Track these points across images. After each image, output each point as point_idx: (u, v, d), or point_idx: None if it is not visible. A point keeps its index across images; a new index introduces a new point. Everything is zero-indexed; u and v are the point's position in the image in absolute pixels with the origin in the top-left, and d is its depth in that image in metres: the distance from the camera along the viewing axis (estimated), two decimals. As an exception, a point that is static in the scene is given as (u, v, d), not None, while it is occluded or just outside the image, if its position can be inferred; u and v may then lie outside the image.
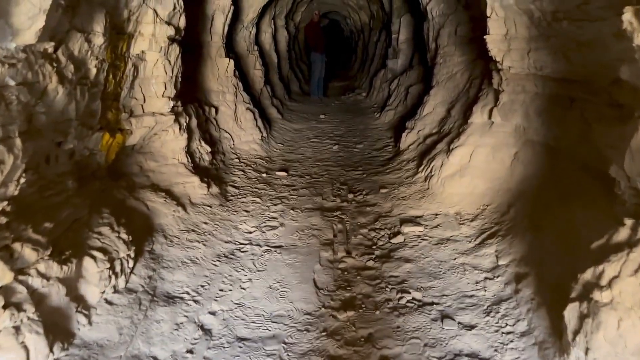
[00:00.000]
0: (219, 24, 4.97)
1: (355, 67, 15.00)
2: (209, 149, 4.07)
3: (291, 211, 3.44)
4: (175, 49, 3.30)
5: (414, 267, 2.61)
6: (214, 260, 2.59)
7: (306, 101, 9.56)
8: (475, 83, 4.16)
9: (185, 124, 3.53)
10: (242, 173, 4.28)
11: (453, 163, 3.48)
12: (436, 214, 3.22)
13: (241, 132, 5.11)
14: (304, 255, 2.77)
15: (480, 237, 2.79)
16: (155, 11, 2.97)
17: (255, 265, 2.61)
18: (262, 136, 5.42)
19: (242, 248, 2.81)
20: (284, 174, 4.44)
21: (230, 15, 5.17)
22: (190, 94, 4.38)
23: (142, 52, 2.96)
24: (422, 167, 3.89)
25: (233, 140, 4.94)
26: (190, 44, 4.57)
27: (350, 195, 3.80)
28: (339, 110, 8.68)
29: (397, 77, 7.61)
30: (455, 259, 2.64)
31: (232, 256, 2.69)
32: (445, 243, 2.82)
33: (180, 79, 3.49)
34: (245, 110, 5.29)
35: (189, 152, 3.66)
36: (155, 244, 2.52)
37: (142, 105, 3.07)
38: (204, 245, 2.71)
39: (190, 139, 3.76)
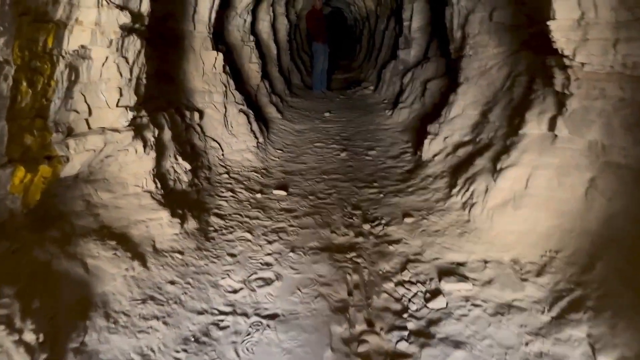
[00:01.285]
0: (204, 10, 4.11)
1: (360, 57, 14.08)
2: (188, 166, 3.24)
3: (291, 254, 2.61)
4: (135, 43, 2.46)
5: (468, 356, 1.79)
6: (177, 352, 1.78)
7: (308, 96, 8.69)
8: (521, 81, 3.30)
9: (152, 139, 2.70)
10: (231, 194, 3.45)
11: (502, 188, 2.64)
12: (485, 261, 2.39)
13: (232, 139, 4.28)
14: (308, 333, 1.95)
15: (558, 305, 1.96)
16: (99, -11, 2.13)
17: (238, 356, 1.80)
18: (257, 142, 4.59)
19: (222, 322, 1.99)
20: (283, 193, 3.61)
21: (218, 0, 4.31)
22: (166, 96, 3.54)
23: (83, 47, 2.12)
24: (458, 189, 3.05)
25: (222, 150, 4.11)
26: (166, 34, 3.72)
27: (367, 226, 2.97)
28: (344, 106, 7.81)
29: (411, 69, 6.73)
30: (526, 343, 1.82)
31: (205, 339, 1.87)
32: (507, 313, 2.00)
33: (144, 81, 2.65)
34: (238, 112, 4.45)
35: (159, 174, 2.84)
36: (90, 333, 1.70)
37: (86, 120, 2.25)
38: (165, 323, 1.89)
39: (161, 156, 2.93)
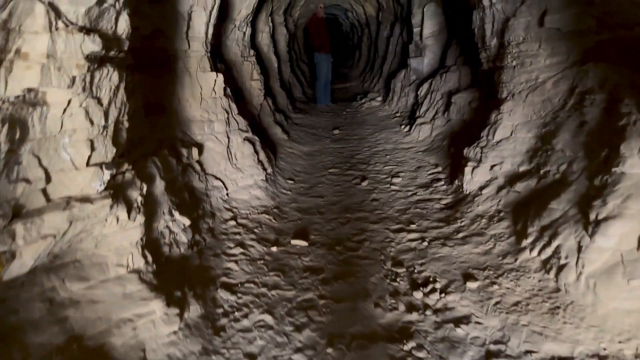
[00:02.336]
0: (200, 24, 3.47)
1: (360, 65, 13.48)
2: (187, 221, 2.57)
3: (329, 349, 1.94)
4: (110, 76, 1.80)
5: None
6: None
7: (312, 110, 8.06)
8: (594, 101, 2.65)
9: (140, 199, 2.03)
10: (241, 250, 2.78)
11: (604, 248, 1.99)
12: (600, 357, 1.74)
13: (237, 174, 3.62)
14: None
15: None
16: (52, 5, 1.48)
17: None
18: (266, 174, 3.93)
19: None
20: (304, 243, 2.95)
21: (215, 13, 3.67)
22: (157, 133, 2.89)
23: (31, 90, 1.47)
24: (531, 240, 2.40)
25: (227, 189, 3.45)
26: (155, 56, 3.08)
27: (418, 295, 2.30)
28: (353, 121, 7.17)
29: (427, 79, 6.09)
30: None
31: None
32: None
33: (126, 124, 1.99)
34: (242, 142, 3.79)
35: (150, 241, 2.17)
36: None
37: (43, 191, 1.58)
38: None
39: (152, 217, 2.27)
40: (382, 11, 10.09)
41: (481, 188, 3.23)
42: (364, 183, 4.16)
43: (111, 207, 1.77)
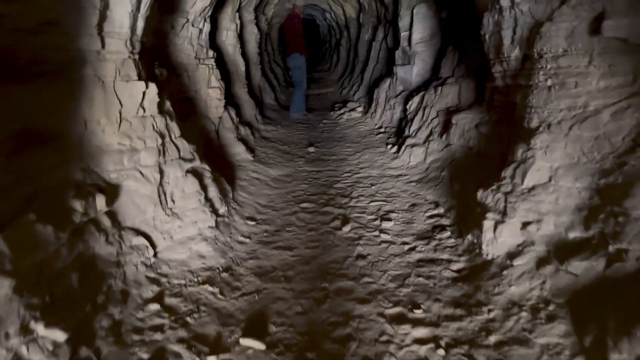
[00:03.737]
0: (122, 15, 2.42)
1: (338, 69, 12.55)
2: (62, 336, 1.53)
3: None
4: None
5: None
6: None
7: (285, 121, 7.06)
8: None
9: None
10: (161, 366, 1.77)
11: None
12: None
13: (173, 222, 2.59)
14: None
15: None
16: None
17: None
18: (216, 218, 2.92)
19: None
20: (259, 346, 1.95)
21: (149, 1, 2.63)
22: (29, 181, 1.82)
23: None
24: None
25: (154, 248, 2.42)
26: (42, 59, 2.02)
27: None
28: (331, 136, 6.20)
29: (419, 92, 5.18)
30: None
31: None
32: None
33: None
34: (184, 176, 2.76)
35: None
36: None
37: None
38: None
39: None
40: (364, 12, 9.18)
41: (511, 256, 2.30)
42: (346, 228, 3.19)
43: None
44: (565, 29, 2.50)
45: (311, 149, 5.40)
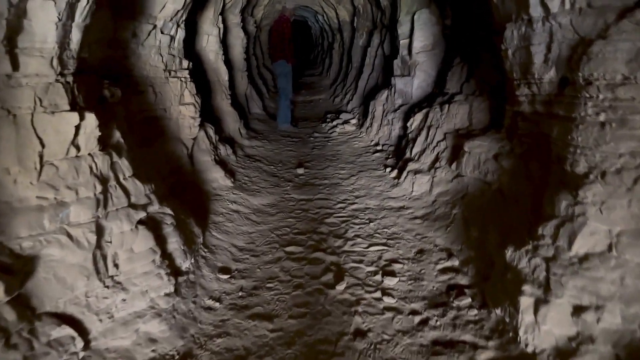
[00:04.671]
0: (44, 25, 1.79)
1: (330, 75, 11.95)
2: None
3: None
4: None
5: None
6: None
7: (272, 134, 6.44)
8: None
9: None
10: None
11: None
12: None
13: (115, 296, 1.97)
14: None
15: None
16: None
17: None
18: (175, 283, 2.30)
19: None
20: None
21: (89, 3, 2.01)
22: None
23: None
24: None
25: (85, 336, 1.79)
26: None
27: None
28: (323, 153, 5.60)
29: (420, 108, 4.59)
30: None
31: None
32: None
33: None
34: (132, 230, 2.13)
35: None
36: None
37: None
38: None
39: None
40: (358, 16, 8.58)
41: (562, 354, 1.71)
42: (340, 286, 2.59)
43: None
44: (626, 50, 1.92)
45: (300, 171, 4.78)
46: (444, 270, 2.68)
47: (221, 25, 5.64)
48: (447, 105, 4.06)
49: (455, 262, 2.72)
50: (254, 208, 3.76)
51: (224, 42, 6.70)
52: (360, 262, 2.87)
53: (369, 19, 8.00)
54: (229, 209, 3.59)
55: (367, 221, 3.48)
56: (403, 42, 5.59)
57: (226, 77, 5.62)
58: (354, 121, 6.73)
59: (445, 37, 5.15)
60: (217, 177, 3.90)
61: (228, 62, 6.73)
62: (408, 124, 4.68)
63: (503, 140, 3.05)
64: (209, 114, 5.05)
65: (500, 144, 3.04)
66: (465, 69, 4.26)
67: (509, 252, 2.19)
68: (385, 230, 3.31)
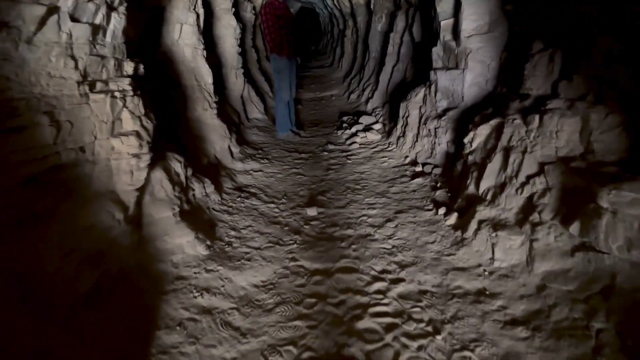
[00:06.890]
0: None
1: (343, 66, 10.36)
2: None
3: None
4: None
5: None
6: None
7: (274, 148, 4.96)
8: None
9: None
10: None
11: None
12: None
13: None
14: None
15: None
16: None
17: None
18: None
19: None
20: None
21: None
22: None
23: None
24: None
25: None
26: None
27: None
28: (342, 178, 4.09)
29: (482, 115, 3.06)
30: None
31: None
32: None
33: None
34: None
35: None
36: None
37: None
38: None
39: None
40: (376, -4, 6.99)
41: None
42: None
43: None
44: None
45: (312, 212, 3.30)
46: None
47: (200, 11, 4.15)
48: (536, 116, 2.53)
49: None
50: (238, 297, 2.30)
51: (211, 33, 5.21)
52: None
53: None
54: (196, 308, 2.14)
55: (431, 330, 1.99)
56: (445, 24, 4.03)
57: (210, 80, 4.14)
58: (377, 126, 5.21)
59: (507, 15, 3.58)
60: (181, 245, 2.45)
61: (217, 57, 5.25)
62: (465, 140, 3.16)
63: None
64: (181, 133, 3.59)
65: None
66: (559, 60, 2.70)
67: None
68: (466, 353, 1.83)
